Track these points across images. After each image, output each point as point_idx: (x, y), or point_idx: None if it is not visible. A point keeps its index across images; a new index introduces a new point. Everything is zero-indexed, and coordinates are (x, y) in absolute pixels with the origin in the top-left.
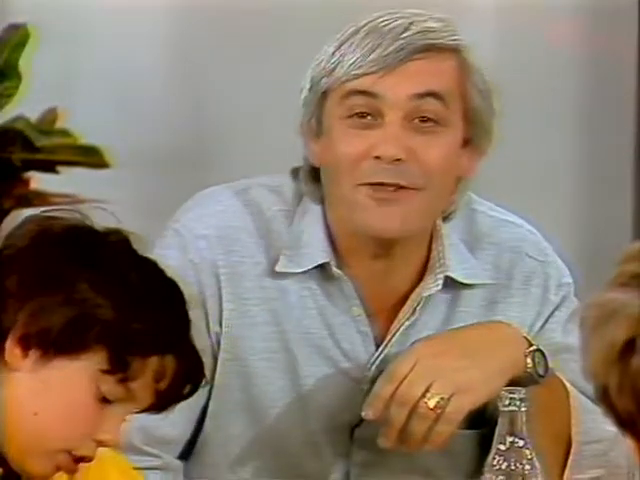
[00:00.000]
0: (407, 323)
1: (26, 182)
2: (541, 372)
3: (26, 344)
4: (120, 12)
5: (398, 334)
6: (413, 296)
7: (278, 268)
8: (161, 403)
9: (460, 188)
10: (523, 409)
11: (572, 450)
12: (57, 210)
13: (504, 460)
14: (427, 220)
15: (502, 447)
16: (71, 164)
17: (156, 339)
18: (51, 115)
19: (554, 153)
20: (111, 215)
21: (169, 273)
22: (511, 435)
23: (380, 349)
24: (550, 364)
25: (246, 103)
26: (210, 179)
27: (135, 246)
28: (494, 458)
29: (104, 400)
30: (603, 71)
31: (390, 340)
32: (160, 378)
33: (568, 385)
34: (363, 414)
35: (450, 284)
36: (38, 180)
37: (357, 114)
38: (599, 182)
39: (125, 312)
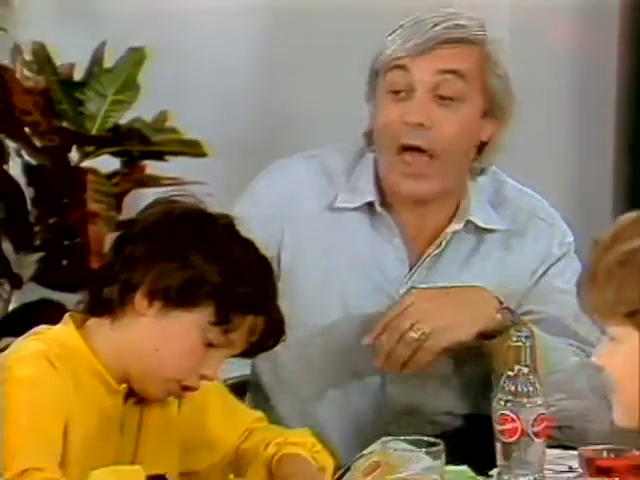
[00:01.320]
0: (435, 253)
1: (142, 168)
2: (508, 324)
3: (151, 297)
4: (215, 16)
5: (427, 262)
6: (441, 234)
7: (336, 204)
8: (250, 351)
9: (486, 151)
10: (528, 344)
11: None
12: (178, 195)
13: (512, 384)
14: (447, 182)
15: (511, 373)
16: (177, 154)
17: (253, 302)
18: (162, 117)
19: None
20: (208, 195)
21: (262, 250)
22: (518, 364)
23: (411, 273)
24: (517, 319)
25: (327, 98)
26: None
27: (238, 228)
28: (504, 382)
29: (209, 345)
30: (590, 62)
31: (420, 266)
32: (253, 333)
33: (536, 330)
34: (362, 341)
35: (473, 229)
36: (151, 167)
37: (394, 91)
38: (585, 149)
39: (229, 277)
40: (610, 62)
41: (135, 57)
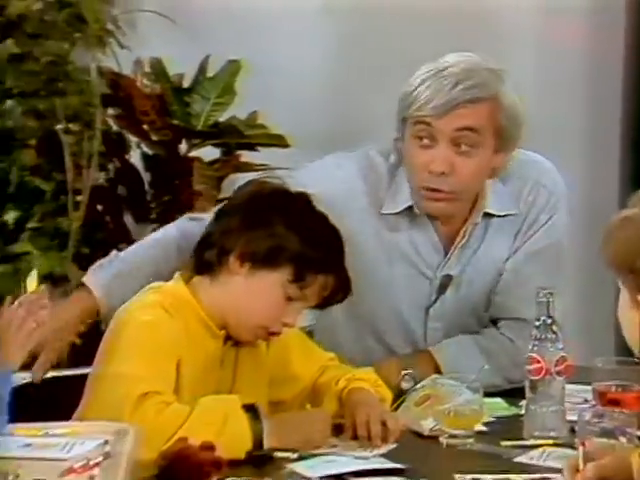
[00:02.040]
0: (461, 243)
1: (238, 157)
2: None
3: (242, 260)
4: (295, 31)
5: (456, 250)
6: (464, 227)
7: (382, 211)
8: (322, 304)
9: (495, 173)
10: (551, 300)
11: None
12: (266, 176)
13: (538, 332)
14: (463, 202)
15: (537, 323)
16: (265, 145)
17: (324, 264)
18: (253, 115)
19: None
20: (290, 177)
21: (332, 221)
22: (543, 316)
23: (445, 259)
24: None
25: (395, 97)
26: None
27: (313, 203)
28: (532, 329)
29: (289, 299)
30: (600, 63)
31: (452, 254)
32: (324, 289)
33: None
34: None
35: (487, 216)
36: (245, 156)
37: (420, 137)
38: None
39: (305, 244)
40: (616, 62)
41: (232, 68)
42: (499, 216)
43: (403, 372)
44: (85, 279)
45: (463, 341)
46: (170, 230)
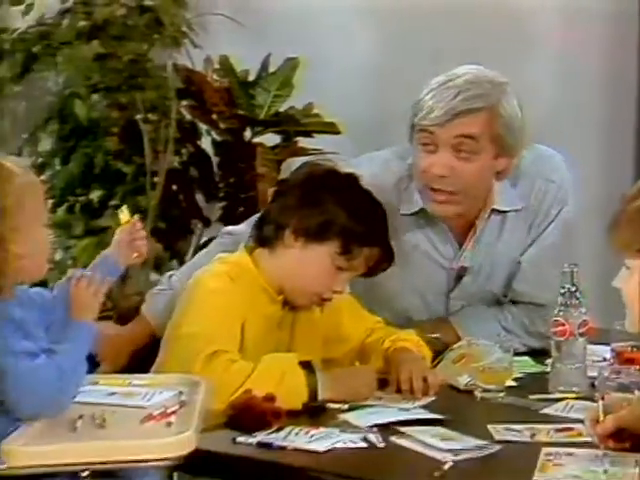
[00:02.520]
0: (473, 237)
1: (295, 142)
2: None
3: (296, 234)
4: (343, 20)
5: (470, 244)
6: (476, 222)
7: (401, 211)
8: (369, 273)
9: (502, 175)
10: (575, 270)
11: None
12: (319, 159)
13: (563, 298)
14: (465, 204)
15: (562, 290)
16: (319, 132)
17: (369, 237)
18: (309, 106)
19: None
20: (341, 160)
21: (376, 198)
22: (568, 284)
23: (460, 251)
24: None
25: None
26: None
27: (360, 183)
28: (558, 297)
29: (338, 269)
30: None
31: (466, 247)
32: (370, 260)
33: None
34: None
35: (498, 212)
36: (302, 142)
37: (424, 143)
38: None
39: (352, 219)
40: (631, 66)
41: (290, 64)
42: (509, 211)
43: (432, 335)
44: (143, 307)
45: (480, 310)
46: (213, 251)
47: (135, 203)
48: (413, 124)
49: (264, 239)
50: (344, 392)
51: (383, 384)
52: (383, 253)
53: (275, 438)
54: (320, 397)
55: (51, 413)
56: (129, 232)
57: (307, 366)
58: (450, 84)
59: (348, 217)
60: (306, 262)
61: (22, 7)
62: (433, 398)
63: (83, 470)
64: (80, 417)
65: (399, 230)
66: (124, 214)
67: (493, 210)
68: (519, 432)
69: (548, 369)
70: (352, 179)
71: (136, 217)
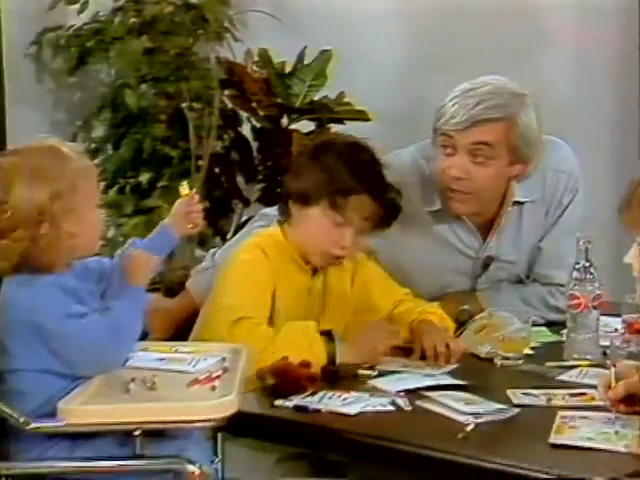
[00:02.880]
0: (497, 229)
1: (328, 129)
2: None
3: (294, 202)
4: (373, 17)
5: (494, 236)
6: (497, 217)
7: (424, 209)
8: (368, 229)
9: (518, 178)
10: (589, 246)
11: None
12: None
13: (578, 273)
14: (481, 204)
15: (577, 266)
16: (350, 119)
17: (350, 188)
18: (341, 95)
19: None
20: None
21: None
22: (582, 260)
23: (485, 244)
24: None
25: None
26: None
27: (376, 155)
28: (572, 272)
29: (336, 225)
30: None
31: (490, 240)
32: (361, 210)
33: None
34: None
35: (516, 203)
36: (334, 128)
37: (444, 146)
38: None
39: (330, 175)
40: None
41: (324, 57)
42: (527, 202)
43: (461, 307)
44: (188, 283)
45: (503, 286)
46: (251, 230)
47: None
48: (435, 128)
49: (282, 213)
50: (361, 355)
51: (408, 353)
52: (376, 202)
53: (310, 402)
54: (338, 361)
55: (106, 368)
56: (187, 204)
57: (327, 334)
58: (472, 93)
59: (328, 176)
60: (307, 225)
61: (77, 6)
62: (456, 366)
63: (135, 429)
64: (132, 380)
65: (425, 224)
66: (184, 188)
67: (516, 203)
68: (536, 397)
69: (563, 339)
70: (331, 142)
71: (194, 190)
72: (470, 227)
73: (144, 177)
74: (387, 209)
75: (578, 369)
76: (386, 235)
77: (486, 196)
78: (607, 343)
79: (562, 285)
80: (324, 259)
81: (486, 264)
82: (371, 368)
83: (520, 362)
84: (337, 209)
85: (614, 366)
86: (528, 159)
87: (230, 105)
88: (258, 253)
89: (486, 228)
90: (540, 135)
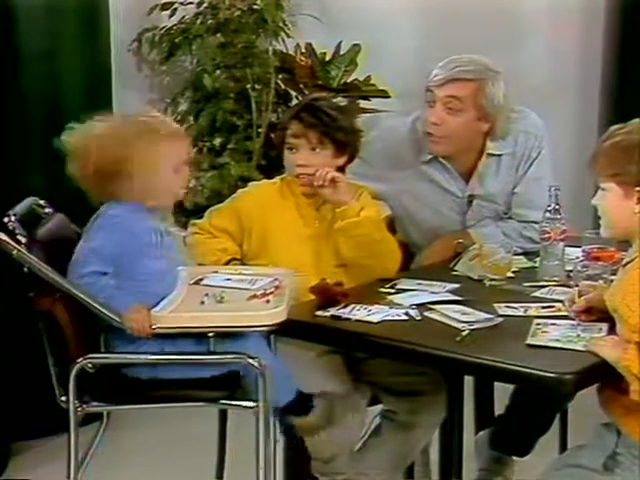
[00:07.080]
0: (477, 174)
1: (358, 104)
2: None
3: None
4: (396, 14)
5: (474, 179)
6: (477, 165)
7: (420, 159)
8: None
9: (491, 135)
10: (558, 193)
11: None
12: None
13: (549, 212)
14: (454, 147)
15: (548, 208)
16: (375, 97)
17: (285, 117)
18: (368, 78)
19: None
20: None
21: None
22: (552, 203)
23: (467, 185)
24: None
25: None
26: None
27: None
28: (544, 213)
29: (289, 149)
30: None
31: (470, 181)
32: (295, 133)
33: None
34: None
35: (494, 156)
36: (362, 103)
37: (428, 100)
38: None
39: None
40: (596, 48)
41: (355, 49)
42: (502, 155)
43: (457, 241)
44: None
45: (489, 225)
46: None
47: (245, 147)
48: (425, 87)
49: None
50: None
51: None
52: (309, 129)
53: (343, 312)
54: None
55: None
56: None
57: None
58: (455, 59)
59: (281, 118)
60: (285, 160)
61: (168, 11)
62: (456, 285)
63: (209, 332)
64: (206, 295)
65: (421, 172)
66: None
67: (490, 155)
68: (516, 309)
69: (537, 265)
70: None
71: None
72: (454, 174)
73: (217, 141)
74: (335, 143)
75: (548, 288)
76: (393, 182)
77: (458, 141)
78: (571, 268)
79: (535, 222)
80: (299, 181)
81: (469, 201)
82: (392, 287)
83: (504, 282)
84: (283, 135)
85: (577, 286)
86: (493, 119)
87: (283, 86)
88: (267, 183)
89: (469, 175)
90: (507, 104)
